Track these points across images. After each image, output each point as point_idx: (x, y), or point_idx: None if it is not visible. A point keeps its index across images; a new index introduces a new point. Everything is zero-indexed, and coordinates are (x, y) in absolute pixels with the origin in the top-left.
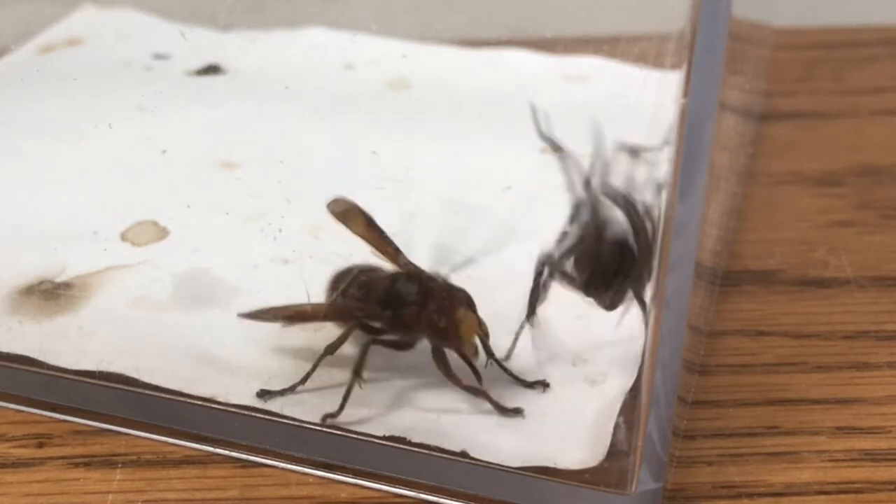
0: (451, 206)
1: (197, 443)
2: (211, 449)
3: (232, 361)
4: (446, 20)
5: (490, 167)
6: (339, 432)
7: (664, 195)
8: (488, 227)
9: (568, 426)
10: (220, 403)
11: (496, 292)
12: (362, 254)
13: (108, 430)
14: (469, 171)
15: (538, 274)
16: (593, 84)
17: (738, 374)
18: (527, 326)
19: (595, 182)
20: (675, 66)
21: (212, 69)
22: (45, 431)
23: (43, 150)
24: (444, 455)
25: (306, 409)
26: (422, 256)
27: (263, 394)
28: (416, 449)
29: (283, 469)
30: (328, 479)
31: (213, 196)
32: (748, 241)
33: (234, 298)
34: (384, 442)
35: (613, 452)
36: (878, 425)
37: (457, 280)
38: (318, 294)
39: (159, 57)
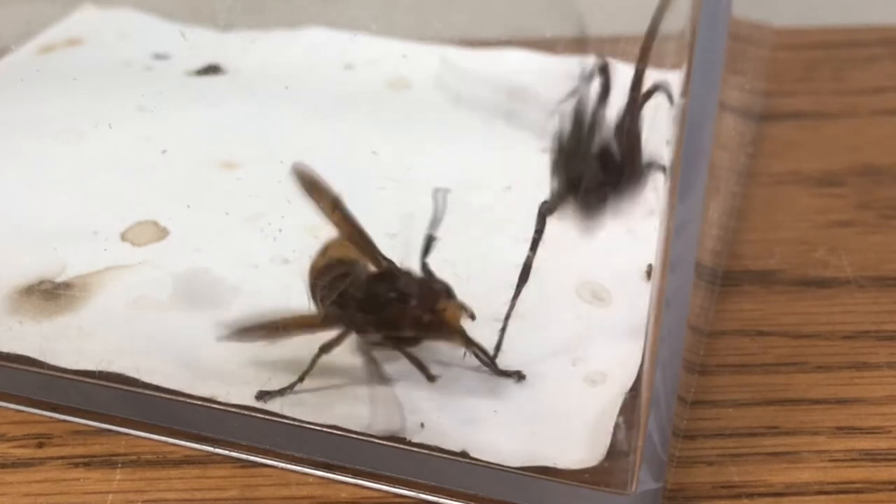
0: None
1: (197, 443)
2: (211, 449)
3: (232, 361)
4: (446, 20)
5: (490, 167)
6: (339, 432)
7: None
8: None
9: (568, 426)
10: (220, 403)
11: (497, 292)
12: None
13: (108, 430)
14: (469, 171)
15: (539, 229)
16: (593, 84)
17: (738, 374)
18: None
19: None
20: (675, 66)
21: (212, 69)
22: (45, 431)
23: (43, 150)
24: (444, 455)
25: (306, 409)
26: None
27: (262, 395)
28: (416, 449)
29: (283, 469)
30: (328, 479)
31: (213, 196)
32: (748, 241)
33: (234, 298)
34: (384, 442)
35: (613, 452)
36: (878, 425)
37: (456, 281)
38: None
39: (159, 57)
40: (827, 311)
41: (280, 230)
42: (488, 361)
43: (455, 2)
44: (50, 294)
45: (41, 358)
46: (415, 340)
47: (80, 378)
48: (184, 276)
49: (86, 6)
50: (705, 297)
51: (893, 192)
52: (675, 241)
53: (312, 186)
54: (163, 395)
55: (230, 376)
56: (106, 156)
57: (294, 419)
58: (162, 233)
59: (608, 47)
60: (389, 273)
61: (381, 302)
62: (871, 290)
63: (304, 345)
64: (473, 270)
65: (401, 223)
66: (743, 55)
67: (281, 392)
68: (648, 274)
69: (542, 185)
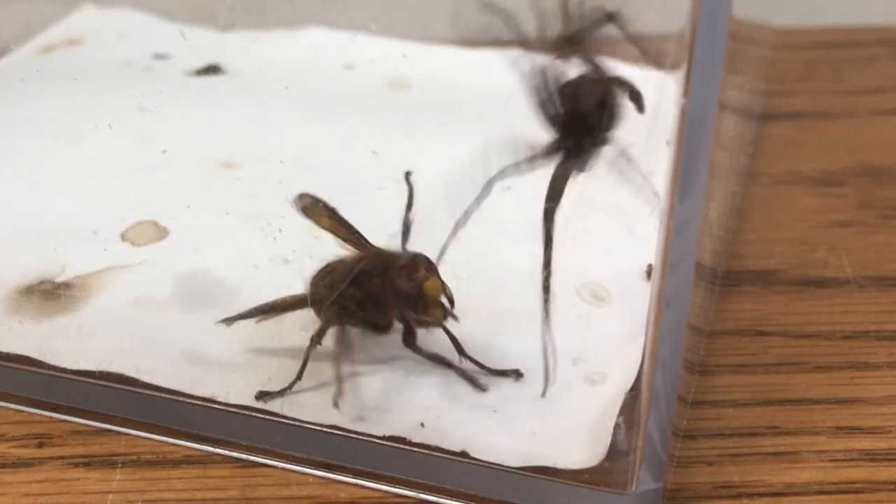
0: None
1: (197, 443)
2: (211, 449)
3: (232, 361)
4: (446, 20)
5: (490, 167)
6: (339, 432)
7: None
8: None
9: (568, 426)
10: (220, 403)
11: (497, 292)
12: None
13: (108, 430)
14: (469, 171)
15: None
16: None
17: (738, 374)
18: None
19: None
20: (675, 66)
21: (212, 69)
22: (45, 431)
23: (43, 150)
24: (445, 455)
25: (306, 409)
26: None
27: (262, 395)
28: (416, 449)
29: (283, 469)
30: (328, 479)
31: (213, 196)
32: (748, 241)
33: (234, 298)
34: (384, 442)
35: (613, 452)
36: (878, 425)
37: (456, 281)
38: None
39: (159, 57)
40: (827, 311)
41: (280, 230)
42: (484, 365)
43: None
44: (50, 294)
45: (41, 358)
46: (397, 315)
47: (80, 378)
48: (184, 276)
49: (86, 6)
50: (705, 297)
51: (893, 192)
52: (675, 241)
53: (312, 210)
54: (163, 395)
55: (230, 376)
56: (106, 156)
57: (294, 419)
58: (162, 233)
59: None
60: (373, 253)
61: (366, 274)
62: (871, 290)
63: (302, 344)
64: (473, 270)
65: (401, 223)
66: (743, 55)
67: (281, 392)
68: (648, 274)
69: (542, 185)
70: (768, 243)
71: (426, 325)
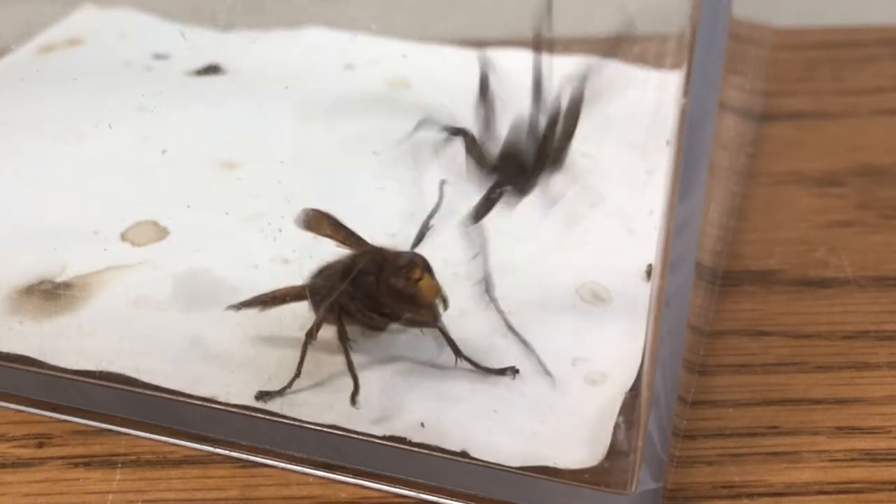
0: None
1: (197, 443)
2: (211, 449)
3: (232, 361)
4: (446, 20)
5: None
6: (339, 432)
7: None
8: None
9: (568, 426)
10: (220, 403)
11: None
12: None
13: (108, 430)
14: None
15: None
16: (593, 84)
17: (738, 374)
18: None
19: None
20: (675, 66)
21: (212, 69)
22: (45, 431)
23: (43, 150)
24: (445, 455)
25: (306, 409)
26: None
27: (262, 395)
28: (416, 449)
29: (283, 469)
30: (328, 479)
31: (213, 196)
32: (748, 241)
33: (234, 298)
34: (384, 442)
35: (613, 452)
36: (878, 425)
37: (456, 281)
38: None
39: (159, 57)
40: (827, 311)
41: (280, 230)
42: (480, 365)
43: (455, 2)
44: (50, 294)
45: (41, 358)
46: (391, 314)
47: (80, 378)
48: (184, 276)
49: (86, 6)
50: (705, 297)
51: (893, 192)
52: (675, 241)
53: (316, 224)
54: (163, 395)
55: (230, 376)
56: (106, 156)
57: (294, 419)
58: (162, 233)
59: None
60: (371, 251)
61: (362, 271)
62: (871, 290)
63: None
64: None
65: (401, 223)
66: (743, 55)
67: (280, 392)
68: (648, 274)
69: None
70: (768, 243)
71: (420, 325)
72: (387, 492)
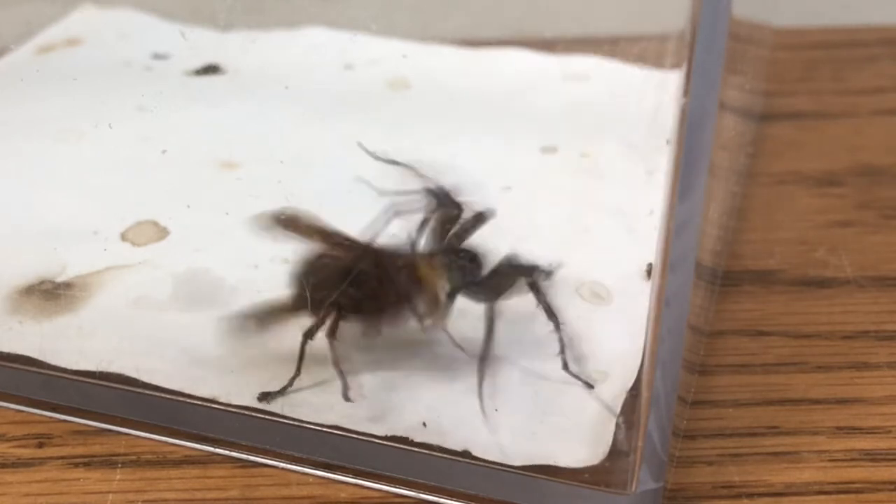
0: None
1: (197, 443)
2: (211, 449)
3: (232, 361)
4: (446, 20)
5: (490, 167)
6: (339, 432)
7: None
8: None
9: (568, 425)
10: (220, 403)
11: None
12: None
13: (108, 430)
14: (469, 171)
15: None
16: (593, 84)
17: (738, 374)
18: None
19: None
20: (675, 66)
21: (211, 69)
22: (45, 431)
23: (43, 150)
24: (445, 455)
25: (306, 409)
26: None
27: (264, 396)
28: (416, 449)
29: (283, 469)
30: (328, 479)
31: (213, 196)
32: (748, 241)
33: (234, 298)
34: (384, 442)
35: (614, 452)
36: (878, 425)
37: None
38: None
39: (159, 57)
40: (827, 311)
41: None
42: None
43: (455, 2)
44: (50, 294)
45: (41, 358)
46: (394, 309)
47: (80, 378)
48: (184, 276)
49: (85, 6)
50: (705, 297)
51: (893, 192)
52: (675, 241)
53: (292, 224)
54: (163, 395)
55: (230, 376)
56: (106, 156)
57: (294, 419)
58: (162, 233)
59: (608, 47)
60: (371, 251)
61: (363, 273)
62: (871, 290)
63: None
64: None
65: (401, 223)
66: (743, 55)
67: (282, 391)
68: (648, 274)
69: (542, 185)
70: (768, 243)
71: (427, 313)
72: (387, 492)
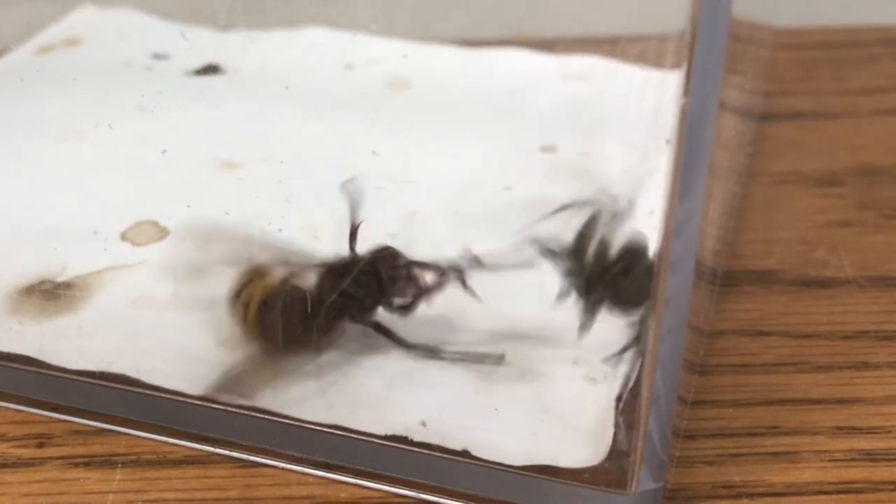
0: (450, 207)
1: (197, 443)
2: (211, 449)
3: (232, 361)
4: (446, 20)
5: (490, 167)
6: (339, 432)
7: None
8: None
9: (569, 425)
10: (220, 403)
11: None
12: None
13: (108, 430)
14: (469, 171)
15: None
16: (593, 84)
17: (738, 374)
18: None
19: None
20: (675, 66)
21: (211, 69)
22: (45, 431)
23: (43, 150)
24: (446, 455)
25: (306, 409)
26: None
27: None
28: (416, 449)
29: (283, 469)
30: (328, 479)
31: (213, 196)
32: (748, 241)
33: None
34: (385, 442)
35: (614, 452)
36: (878, 425)
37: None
38: None
39: (159, 57)
40: (827, 311)
41: (280, 230)
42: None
43: (455, 2)
44: (50, 294)
45: (41, 358)
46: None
47: (80, 378)
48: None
49: (85, 6)
50: (705, 297)
51: (893, 192)
52: (675, 241)
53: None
54: (163, 395)
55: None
56: (106, 156)
57: (294, 419)
58: (162, 233)
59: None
60: (341, 263)
61: (357, 282)
62: (871, 290)
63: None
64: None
65: (401, 223)
66: (743, 55)
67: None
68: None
69: (542, 185)
70: (768, 243)
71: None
72: (387, 492)
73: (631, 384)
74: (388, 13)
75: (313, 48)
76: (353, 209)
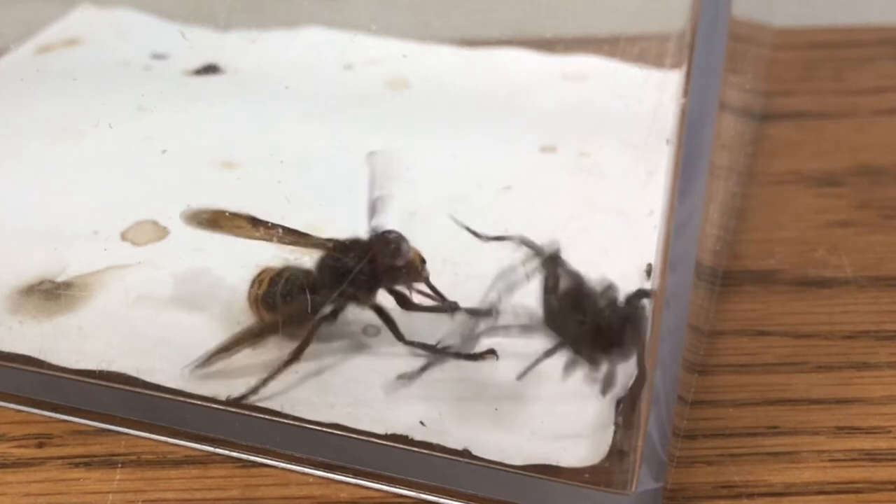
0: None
1: (197, 443)
2: (211, 449)
3: (232, 361)
4: (446, 20)
5: (490, 167)
6: (339, 432)
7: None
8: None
9: (568, 425)
10: (220, 403)
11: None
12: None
13: (108, 430)
14: (469, 171)
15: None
16: (593, 83)
17: (738, 374)
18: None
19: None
20: (675, 66)
21: (211, 69)
22: (45, 431)
23: (43, 150)
24: (446, 454)
25: (306, 409)
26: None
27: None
28: (416, 448)
29: (283, 469)
30: (328, 479)
31: (213, 196)
32: (748, 241)
33: (233, 298)
34: (385, 441)
35: (614, 452)
36: (878, 425)
37: (456, 281)
38: None
39: (158, 57)
40: (827, 311)
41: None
42: (459, 352)
43: (455, 2)
44: (50, 294)
45: (41, 358)
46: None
47: (80, 378)
48: (184, 276)
49: (84, 6)
50: (705, 297)
51: (893, 192)
52: (675, 241)
53: (214, 221)
54: (163, 395)
55: (231, 376)
56: (106, 156)
57: (294, 419)
58: (162, 233)
59: (608, 47)
60: (343, 245)
61: (347, 269)
62: (871, 290)
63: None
64: (473, 271)
65: (401, 223)
66: (743, 55)
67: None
68: (648, 274)
69: (542, 185)
70: (768, 243)
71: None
72: (387, 492)
73: (631, 384)
74: (387, 13)
75: (313, 48)
76: (373, 183)
